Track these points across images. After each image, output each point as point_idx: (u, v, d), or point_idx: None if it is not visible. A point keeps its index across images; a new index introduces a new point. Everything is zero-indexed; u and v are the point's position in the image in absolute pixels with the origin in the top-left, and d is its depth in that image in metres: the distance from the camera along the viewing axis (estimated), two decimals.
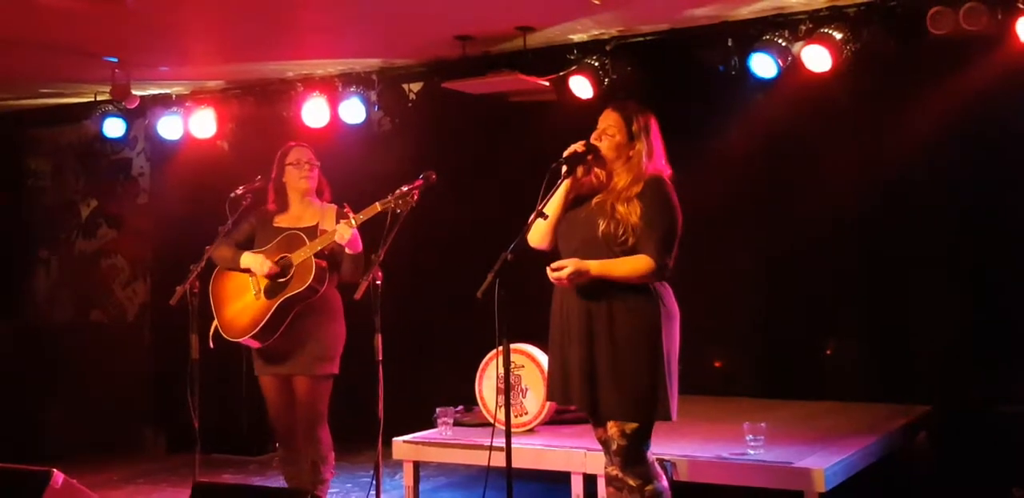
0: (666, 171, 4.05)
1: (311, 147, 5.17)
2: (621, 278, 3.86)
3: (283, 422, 5.08)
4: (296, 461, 5.08)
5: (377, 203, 4.60)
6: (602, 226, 3.90)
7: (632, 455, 3.93)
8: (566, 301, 4.01)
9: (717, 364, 6.71)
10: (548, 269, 3.82)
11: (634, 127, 4.00)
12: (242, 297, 5.01)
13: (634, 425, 3.90)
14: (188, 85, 7.70)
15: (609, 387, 3.88)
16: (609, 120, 4.04)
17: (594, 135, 4.04)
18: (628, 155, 4.00)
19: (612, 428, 3.94)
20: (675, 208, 3.96)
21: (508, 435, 3.85)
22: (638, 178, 3.95)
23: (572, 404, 4.07)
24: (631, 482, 3.95)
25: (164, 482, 6.84)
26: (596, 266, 3.84)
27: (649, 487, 3.94)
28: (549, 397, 4.22)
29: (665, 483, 4.01)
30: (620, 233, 3.88)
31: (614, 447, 3.95)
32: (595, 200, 4.00)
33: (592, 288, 3.90)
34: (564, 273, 3.80)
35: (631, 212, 3.89)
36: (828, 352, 6.58)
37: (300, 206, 5.10)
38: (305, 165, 5.06)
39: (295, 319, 4.90)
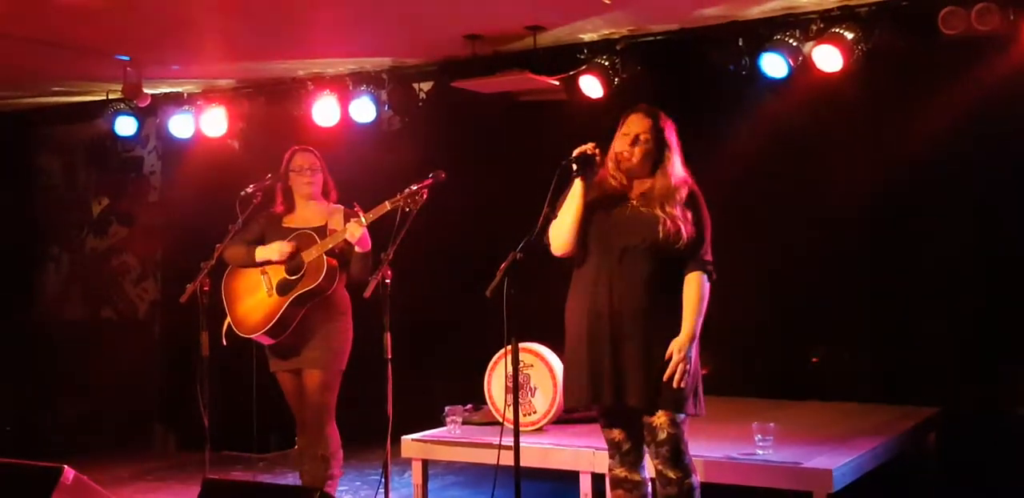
0: (688, 176, 4.08)
1: (315, 151, 5.21)
2: (702, 310, 3.94)
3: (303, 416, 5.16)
4: (314, 456, 5.12)
5: (387, 202, 4.63)
6: (661, 231, 3.91)
7: (679, 446, 3.94)
8: (603, 302, 3.96)
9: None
10: (675, 380, 3.86)
11: (666, 135, 4.03)
12: (254, 294, 5.09)
13: (683, 415, 3.93)
14: (199, 84, 7.72)
15: (668, 382, 3.88)
16: (643, 126, 4.02)
17: (626, 140, 4.01)
18: (657, 161, 4.01)
19: (661, 418, 3.91)
20: (709, 219, 4.04)
21: (516, 434, 3.85)
22: (678, 183, 3.99)
23: (601, 403, 4.00)
24: (672, 475, 3.93)
25: (173, 479, 6.86)
26: (688, 330, 3.91)
27: (688, 481, 3.94)
28: (571, 403, 4.15)
29: (698, 478, 4.01)
30: (672, 235, 3.91)
31: (663, 436, 3.91)
32: (637, 204, 4.00)
33: (639, 287, 3.92)
34: (681, 361, 3.87)
35: (685, 218, 3.94)
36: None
37: (307, 208, 5.18)
38: (307, 171, 5.12)
39: (305, 316, 4.98)
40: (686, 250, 3.94)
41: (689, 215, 3.95)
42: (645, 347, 3.91)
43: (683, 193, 3.98)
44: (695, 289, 3.94)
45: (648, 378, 3.90)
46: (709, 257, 4.00)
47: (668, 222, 3.90)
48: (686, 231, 3.92)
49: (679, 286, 3.95)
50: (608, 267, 3.98)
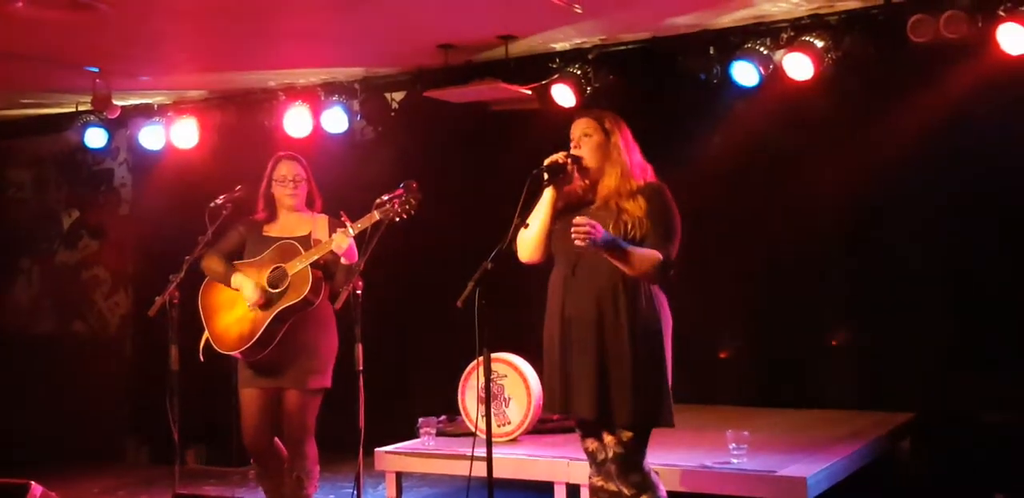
0: (648, 167, 4.06)
1: (301, 159, 5.08)
2: (634, 260, 3.79)
3: (260, 438, 4.98)
4: (273, 476, 5.02)
5: (375, 212, 4.54)
6: (611, 224, 3.87)
7: (627, 463, 3.91)
8: (568, 310, 3.98)
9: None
10: (574, 228, 3.68)
11: (606, 124, 4.03)
12: (234, 309, 4.93)
13: (630, 433, 3.89)
14: (170, 95, 7.67)
15: (618, 395, 3.86)
16: (581, 125, 4.06)
17: (572, 144, 4.04)
18: (608, 151, 4.00)
19: (608, 436, 3.93)
20: (677, 216, 3.97)
21: (489, 445, 3.82)
22: (627, 175, 3.95)
23: (577, 414, 4.00)
24: (625, 491, 3.92)
25: (145, 494, 6.79)
26: (615, 243, 3.75)
27: (643, 497, 3.91)
28: (548, 408, 4.17)
29: (663, 493, 3.97)
30: (629, 228, 3.87)
31: (610, 454, 3.93)
32: (595, 206, 3.99)
33: (592, 296, 3.91)
34: (586, 229, 3.66)
35: (637, 207, 3.89)
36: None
37: (290, 217, 5.05)
38: (290, 183, 4.98)
39: (288, 331, 4.83)
40: (639, 242, 3.86)
41: (644, 205, 3.89)
42: (596, 359, 3.89)
43: (636, 183, 3.94)
44: (647, 250, 3.81)
45: (596, 392, 3.87)
46: (672, 255, 3.87)
47: (617, 218, 3.88)
48: (636, 220, 3.86)
49: (639, 296, 3.90)
50: (565, 277, 4.00)
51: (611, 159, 4.00)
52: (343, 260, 4.74)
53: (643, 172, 4.04)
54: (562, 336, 4.00)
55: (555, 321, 4.03)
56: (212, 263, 4.97)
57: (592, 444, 4.06)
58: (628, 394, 3.84)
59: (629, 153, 4.01)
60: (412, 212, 4.48)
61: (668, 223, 3.93)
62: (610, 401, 3.87)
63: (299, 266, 4.78)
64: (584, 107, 4.19)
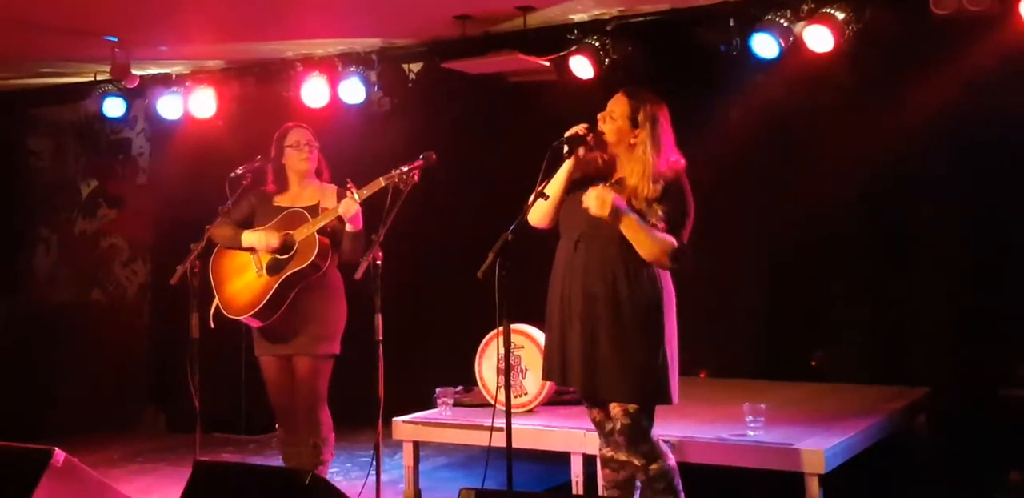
0: (679, 163, 4.01)
1: (310, 127, 5.13)
2: (645, 240, 3.80)
3: (284, 403, 5.07)
4: (295, 442, 5.07)
5: (381, 178, 4.58)
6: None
7: (635, 434, 3.94)
8: (567, 282, 4.00)
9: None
10: (589, 198, 3.76)
11: (640, 116, 3.96)
12: (243, 275, 4.98)
13: (635, 405, 3.91)
14: (188, 65, 7.67)
15: (611, 369, 3.88)
16: (617, 104, 4.02)
17: (601, 115, 4.03)
18: (630, 142, 3.97)
19: (614, 408, 3.95)
20: (691, 203, 3.95)
21: (508, 415, 3.85)
22: (648, 175, 3.89)
23: (570, 385, 4.07)
24: (635, 462, 3.96)
25: (163, 461, 6.86)
26: (626, 213, 3.78)
27: (654, 466, 3.94)
28: (546, 376, 4.22)
29: (672, 461, 4.01)
30: (637, 208, 3.86)
31: (617, 426, 3.95)
32: (610, 184, 3.97)
33: (591, 273, 3.92)
34: (603, 200, 3.74)
35: (651, 214, 3.87)
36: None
37: (299, 186, 5.08)
38: (304, 147, 5.02)
39: (296, 298, 4.87)
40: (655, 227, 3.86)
41: (661, 211, 3.87)
42: (589, 333, 3.92)
43: (657, 188, 3.88)
44: (663, 236, 3.83)
45: (588, 366, 3.91)
46: (684, 241, 3.88)
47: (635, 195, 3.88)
48: (651, 206, 3.86)
49: (638, 272, 3.90)
50: (568, 250, 4.02)
51: (632, 153, 3.96)
52: (348, 227, 4.79)
53: (669, 168, 3.96)
54: (560, 309, 4.03)
55: (555, 294, 4.07)
56: (222, 230, 5.00)
57: (597, 415, 4.11)
58: (623, 368, 3.87)
59: (657, 150, 3.94)
60: (416, 180, 4.49)
61: (680, 208, 3.91)
62: (599, 374, 3.90)
63: (306, 232, 4.83)
64: (634, 85, 4.09)
